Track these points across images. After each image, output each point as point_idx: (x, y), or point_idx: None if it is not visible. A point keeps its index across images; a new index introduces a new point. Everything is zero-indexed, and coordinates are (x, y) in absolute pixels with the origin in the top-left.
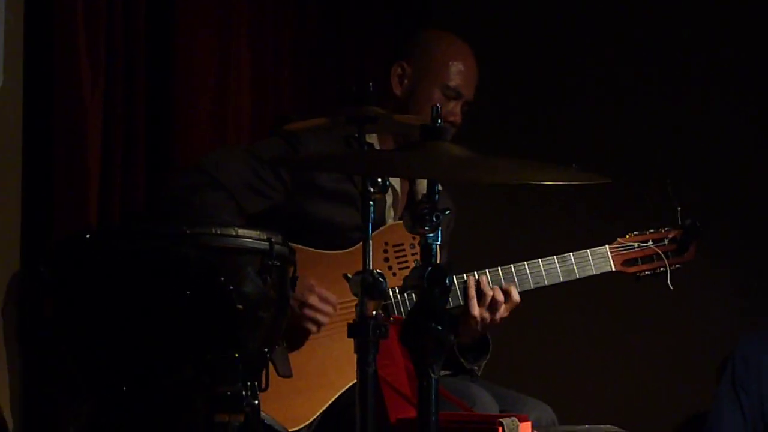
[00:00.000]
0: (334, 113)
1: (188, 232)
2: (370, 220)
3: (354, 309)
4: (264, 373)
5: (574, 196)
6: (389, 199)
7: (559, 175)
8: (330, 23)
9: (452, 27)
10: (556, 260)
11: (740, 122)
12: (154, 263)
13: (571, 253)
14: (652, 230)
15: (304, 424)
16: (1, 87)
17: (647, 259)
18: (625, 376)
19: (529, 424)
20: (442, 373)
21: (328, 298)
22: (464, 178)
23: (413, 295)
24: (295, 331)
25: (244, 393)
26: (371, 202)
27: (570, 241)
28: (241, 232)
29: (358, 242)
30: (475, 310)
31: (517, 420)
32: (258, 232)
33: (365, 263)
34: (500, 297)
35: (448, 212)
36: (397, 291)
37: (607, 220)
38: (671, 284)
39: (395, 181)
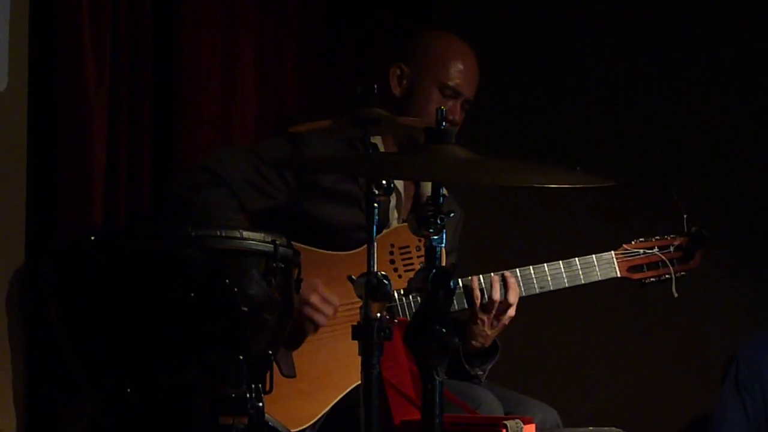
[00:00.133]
0: (339, 115)
1: (193, 234)
2: (375, 222)
3: (358, 310)
4: (268, 375)
5: (579, 201)
6: (393, 200)
7: (564, 178)
8: (333, 23)
9: (456, 28)
10: (561, 265)
11: (747, 129)
12: (158, 265)
13: (576, 259)
14: (657, 237)
15: (306, 425)
16: (6, 87)
17: (653, 265)
18: (628, 378)
19: (533, 426)
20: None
21: (330, 300)
22: (469, 180)
23: (418, 297)
24: (298, 331)
25: (248, 395)
26: (375, 204)
27: (575, 245)
28: (245, 234)
29: (362, 242)
30: (482, 311)
31: (521, 422)
32: (263, 235)
33: (370, 265)
34: (508, 293)
35: (452, 214)
36: (402, 293)
37: (613, 225)
38: (676, 292)
39: (399, 183)
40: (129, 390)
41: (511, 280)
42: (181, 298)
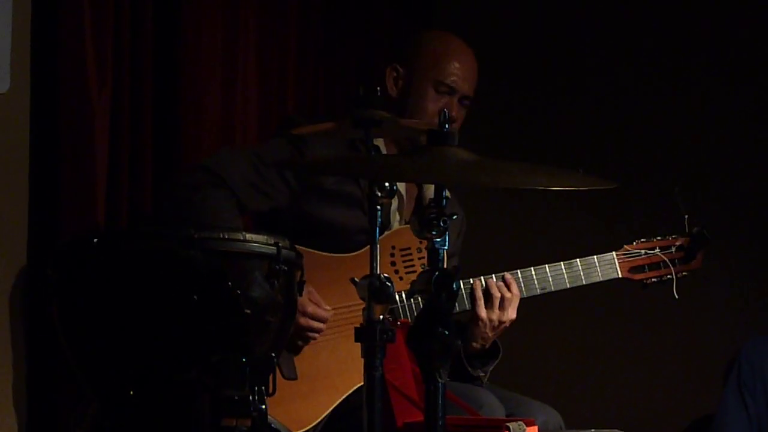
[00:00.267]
0: (341, 117)
1: (196, 235)
2: (377, 225)
3: (359, 312)
4: (271, 377)
5: (581, 202)
6: (394, 202)
7: (566, 180)
8: (334, 24)
9: (457, 28)
10: (563, 266)
11: (748, 129)
12: (160, 267)
13: (578, 260)
14: (659, 237)
15: (308, 427)
16: (9, 89)
17: (654, 266)
18: (630, 379)
19: (535, 428)
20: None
21: (318, 315)
22: (471, 182)
23: (420, 299)
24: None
25: (251, 397)
26: (378, 207)
27: (577, 246)
28: (248, 236)
29: (363, 244)
30: (483, 312)
31: (524, 424)
32: (266, 237)
33: (372, 267)
34: (508, 295)
35: (455, 217)
36: (403, 295)
37: (614, 226)
38: (677, 293)
39: (401, 185)
40: (131, 392)
41: (512, 282)
42: (184, 299)
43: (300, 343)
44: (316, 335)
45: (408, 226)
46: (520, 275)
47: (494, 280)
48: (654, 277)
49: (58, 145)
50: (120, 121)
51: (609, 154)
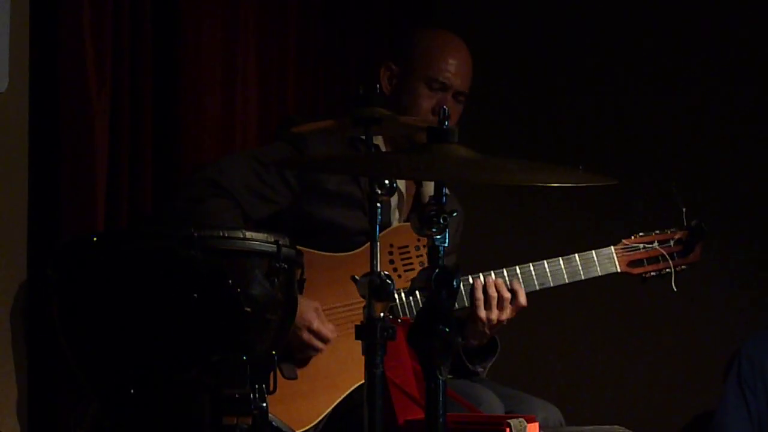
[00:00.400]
0: (340, 115)
1: (195, 234)
2: (377, 222)
3: (359, 311)
4: (272, 375)
5: (579, 197)
6: (394, 200)
7: (566, 176)
8: (334, 24)
9: (456, 26)
10: (561, 261)
11: (746, 124)
12: (161, 266)
13: (576, 255)
14: (657, 231)
15: (309, 426)
16: (7, 89)
17: (653, 260)
18: (631, 376)
19: (536, 425)
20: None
21: (323, 334)
22: (470, 179)
23: (419, 296)
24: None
25: (251, 395)
26: (378, 204)
27: (575, 242)
28: (248, 234)
29: (363, 244)
30: (482, 312)
31: (524, 421)
32: (266, 235)
33: (373, 265)
34: (507, 295)
35: (455, 214)
36: (402, 293)
37: (613, 221)
38: (675, 286)
39: (400, 183)
40: (132, 391)
41: (518, 287)
42: (184, 298)
43: (299, 356)
44: (314, 354)
45: (406, 223)
46: (518, 271)
47: (493, 278)
48: (653, 271)
49: (58, 145)
50: (120, 121)
51: (606, 149)
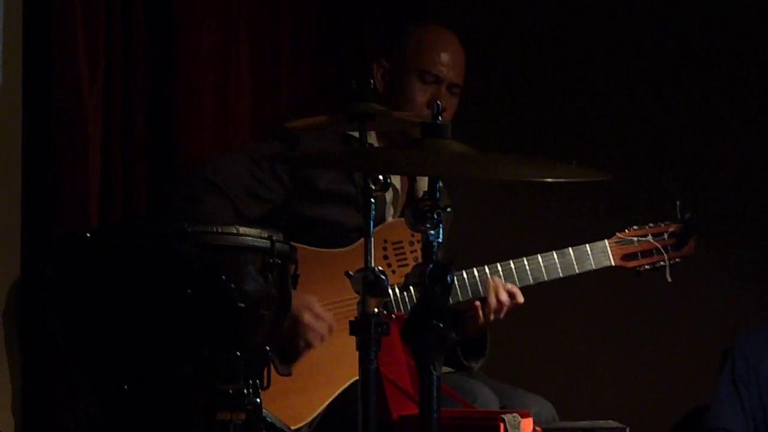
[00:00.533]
0: (334, 110)
1: (189, 230)
2: (372, 218)
3: (354, 306)
4: (266, 371)
5: (572, 191)
6: (389, 196)
7: (560, 171)
8: (327, 23)
9: (449, 23)
10: (555, 255)
11: (739, 116)
12: (155, 262)
13: (570, 248)
14: (651, 224)
15: (304, 422)
16: (1, 86)
17: (647, 253)
18: (624, 370)
19: (530, 420)
20: (443, 369)
21: (324, 317)
22: (465, 174)
23: (413, 292)
24: (290, 346)
25: (245, 391)
26: (372, 200)
27: (569, 236)
28: (242, 230)
29: (356, 240)
30: (482, 313)
31: (518, 416)
32: (259, 231)
33: (367, 260)
34: (505, 299)
35: (449, 209)
36: (396, 288)
37: (607, 215)
38: (670, 277)
39: (395, 179)
40: (126, 386)
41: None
42: (178, 294)
43: (300, 343)
44: (317, 339)
45: (400, 219)
46: (512, 266)
47: (487, 273)
48: (647, 264)
49: (51, 143)
50: (113, 119)
51: (600, 143)
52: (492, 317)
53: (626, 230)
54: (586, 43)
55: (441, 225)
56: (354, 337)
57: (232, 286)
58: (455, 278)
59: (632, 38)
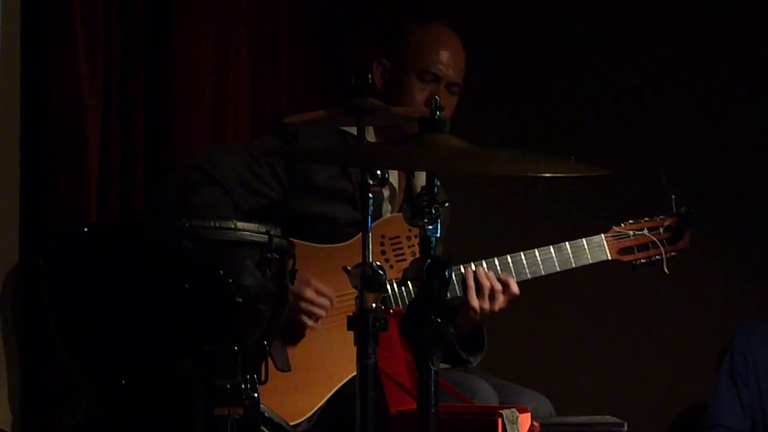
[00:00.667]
0: (332, 105)
1: (187, 225)
2: (369, 213)
3: (351, 301)
4: (263, 366)
5: (569, 186)
6: (386, 192)
7: (557, 166)
8: (328, 18)
9: (448, 21)
10: (552, 249)
11: (734, 110)
12: (153, 256)
13: (567, 243)
14: (647, 218)
15: (303, 418)
16: None
17: (643, 247)
18: (622, 366)
19: (528, 415)
20: (441, 366)
21: (325, 292)
22: (462, 169)
23: (411, 287)
24: (293, 325)
25: (243, 386)
26: (370, 195)
27: (566, 230)
28: (240, 225)
29: (353, 236)
30: (474, 301)
31: (516, 411)
32: (257, 225)
33: (365, 256)
34: (498, 287)
35: (447, 204)
36: (394, 283)
37: (603, 210)
38: (667, 269)
39: (392, 176)
40: (123, 382)
41: (510, 281)
42: (176, 289)
43: (301, 321)
44: (321, 312)
45: (397, 214)
46: (509, 260)
47: (485, 267)
48: (643, 258)
49: (51, 143)
50: (111, 115)
51: (596, 137)
52: (487, 305)
53: (622, 224)
54: (583, 39)
55: (439, 220)
56: (352, 333)
57: (230, 281)
58: (453, 273)
59: (629, 33)
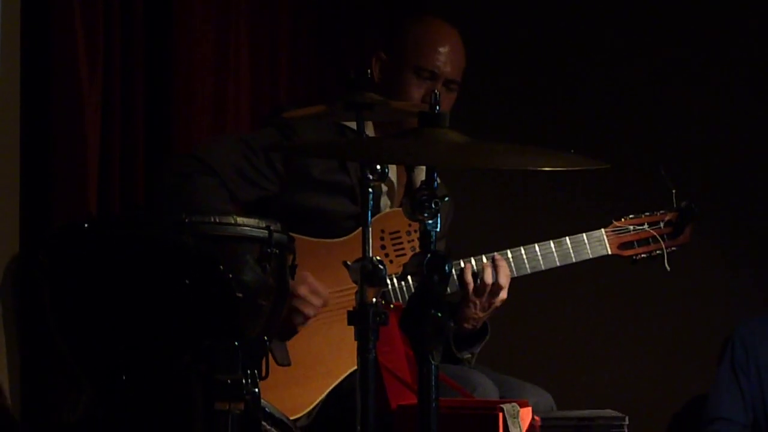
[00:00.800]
0: (331, 100)
1: (187, 220)
2: (369, 208)
3: (351, 296)
4: (264, 361)
5: (569, 180)
6: (384, 187)
7: (557, 160)
8: (327, 13)
9: (448, 16)
10: (552, 244)
11: (734, 105)
12: (153, 252)
13: (567, 238)
14: (647, 213)
15: (303, 413)
16: None
17: (643, 242)
18: (623, 360)
19: (529, 409)
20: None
21: (320, 291)
22: (462, 164)
23: (411, 281)
24: (288, 322)
25: (244, 381)
26: (370, 190)
27: (566, 225)
28: (240, 220)
29: (352, 230)
30: (473, 296)
31: (517, 405)
32: (257, 220)
33: (365, 250)
34: (497, 279)
35: (447, 199)
36: (394, 278)
37: (603, 204)
38: (668, 266)
39: (392, 172)
40: (124, 377)
41: (502, 263)
42: (176, 284)
43: (294, 320)
44: (311, 312)
45: (397, 209)
46: (509, 255)
47: (484, 261)
48: (643, 253)
49: (51, 142)
50: (111, 111)
51: (597, 132)
52: (486, 301)
53: (623, 219)
54: (584, 34)
55: (439, 215)
56: (352, 327)
57: (230, 276)
58: (453, 268)
59: (629, 28)
